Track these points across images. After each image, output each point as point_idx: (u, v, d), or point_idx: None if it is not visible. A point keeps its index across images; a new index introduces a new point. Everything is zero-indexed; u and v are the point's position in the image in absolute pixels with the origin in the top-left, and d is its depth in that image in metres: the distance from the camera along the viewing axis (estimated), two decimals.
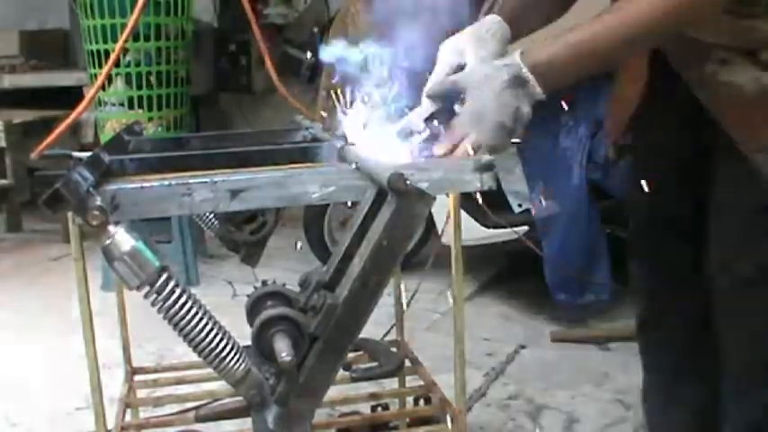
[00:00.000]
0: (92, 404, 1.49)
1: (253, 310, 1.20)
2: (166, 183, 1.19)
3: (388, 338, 2.22)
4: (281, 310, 1.15)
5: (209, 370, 1.98)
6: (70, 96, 4.29)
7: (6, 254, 4.17)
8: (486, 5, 3.33)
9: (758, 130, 1.43)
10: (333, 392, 1.97)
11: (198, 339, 1.12)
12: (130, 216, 1.14)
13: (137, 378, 1.94)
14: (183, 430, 1.80)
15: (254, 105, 4.76)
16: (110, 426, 1.54)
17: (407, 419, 1.92)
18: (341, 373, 1.88)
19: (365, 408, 2.00)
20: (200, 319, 1.12)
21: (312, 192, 1.27)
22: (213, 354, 1.13)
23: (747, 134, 1.45)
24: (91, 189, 1.12)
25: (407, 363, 1.94)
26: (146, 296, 1.11)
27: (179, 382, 1.98)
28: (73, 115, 1.50)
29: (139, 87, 3.51)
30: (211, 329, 1.13)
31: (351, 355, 1.95)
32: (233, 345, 1.15)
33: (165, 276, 1.10)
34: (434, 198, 1.18)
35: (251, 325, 1.17)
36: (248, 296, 1.23)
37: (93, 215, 1.10)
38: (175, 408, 2.10)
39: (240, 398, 1.74)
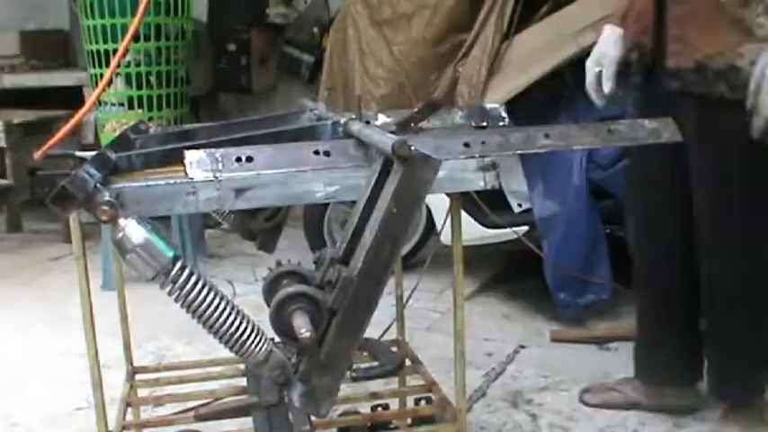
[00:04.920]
0: (92, 404, 1.49)
1: (270, 289, 1.20)
2: (171, 181, 1.19)
3: (388, 338, 2.22)
4: (297, 287, 1.14)
5: (210, 369, 2.00)
6: (70, 96, 4.30)
7: (6, 254, 4.17)
8: (485, 6, 3.35)
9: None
10: None
11: (218, 324, 1.12)
12: (135, 214, 1.15)
13: (137, 377, 1.94)
14: (183, 430, 1.80)
15: (254, 105, 4.76)
16: (110, 425, 1.54)
17: (408, 419, 1.92)
18: None
19: (365, 407, 2.00)
20: (219, 303, 1.12)
21: (316, 191, 1.28)
22: (234, 337, 1.13)
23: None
24: (98, 185, 1.13)
25: (408, 362, 1.94)
26: (162, 286, 1.11)
27: (180, 381, 1.98)
28: (77, 117, 1.50)
29: (139, 87, 3.51)
30: (230, 313, 1.13)
31: None
32: (252, 326, 1.15)
33: (179, 265, 1.10)
34: (440, 161, 1.18)
35: (269, 305, 1.17)
36: (264, 278, 1.23)
37: (102, 210, 1.10)
38: (176, 407, 2.10)
39: (240, 398, 1.75)
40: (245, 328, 1.13)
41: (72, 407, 2.39)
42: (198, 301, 1.11)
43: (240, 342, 1.13)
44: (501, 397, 2.41)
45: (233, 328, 1.12)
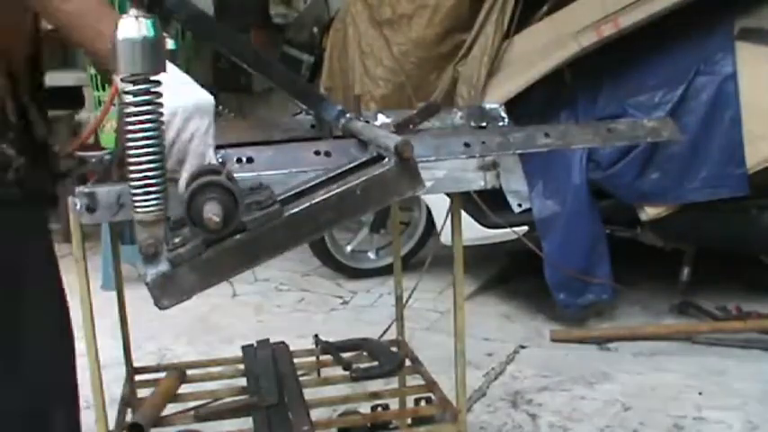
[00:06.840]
0: (92, 404, 1.49)
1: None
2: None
3: (388, 338, 2.22)
4: (227, 181, 1.10)
5: (210, 369, 2.00)
6: (70, 96, 4.30)
7: None
8: (485, 6, 3.34)
9: None
10: (333, 392, 1.98)
11: (139, 159, 1.07)
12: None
13: (137, 378, 1.94)
14: (182, 430, 1.80)
15: (253, 105, 4.76)
16: (111, 425, 1.54)
17: (408, 419, 1.92)
18: (341, 372, 1.88)
19: (365, 407, 2.00)
20: (153, 145, 1.07)
21: None
22: (143, 182, 1.07)
23: None
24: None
25: (408, 362, 1.94)
26: (122, 92, 1.06)
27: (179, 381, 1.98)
28: (92, 123, 1.49)
29: None
30: (157, 161, 1.08)
31: (351, 354, 1.95)
32: (163, 191, 1.09)
33: (147, 86, 1.05)
34: (424, 186, 1.19)
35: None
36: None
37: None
38: (176, 407, 2.10)
39: (240, 398, 1.75)
40: (157, 184, 1.09)
41: None
42: (138, 128, 1.06)
43: (144, 190, 1.08)
44: (501, 397, 2.41)
45: (148, 174, 1.08)
